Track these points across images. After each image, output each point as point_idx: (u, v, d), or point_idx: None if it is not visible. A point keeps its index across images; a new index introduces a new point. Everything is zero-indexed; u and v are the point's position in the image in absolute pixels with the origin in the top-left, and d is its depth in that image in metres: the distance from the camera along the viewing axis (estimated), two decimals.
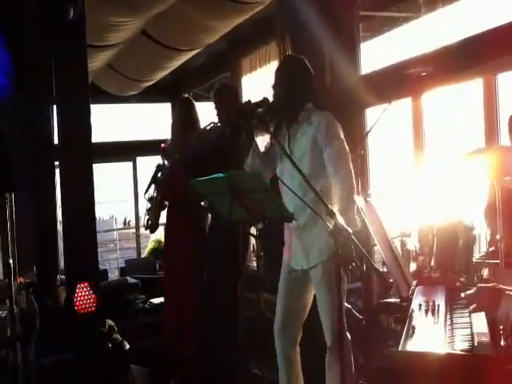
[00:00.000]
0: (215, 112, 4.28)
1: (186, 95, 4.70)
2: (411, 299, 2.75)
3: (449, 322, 2.33)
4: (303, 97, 3.15)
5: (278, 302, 3.26)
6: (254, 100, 3.13)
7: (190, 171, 3.97)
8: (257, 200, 2.60)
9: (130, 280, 6.00)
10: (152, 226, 4.51)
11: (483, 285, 2.32)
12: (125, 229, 15.38)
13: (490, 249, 3.24)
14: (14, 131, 4.46)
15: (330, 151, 3.00)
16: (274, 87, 3.19)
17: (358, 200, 3.05)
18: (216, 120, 4.29)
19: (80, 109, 4.32)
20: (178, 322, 4.37)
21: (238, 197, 2.64)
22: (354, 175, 3.00)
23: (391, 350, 2.88)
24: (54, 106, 4.49)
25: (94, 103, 4.50)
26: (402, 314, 3.10)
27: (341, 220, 2.40)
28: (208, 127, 4.21)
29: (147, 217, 4.50)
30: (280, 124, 3.17)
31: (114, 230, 16.25)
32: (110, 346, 4.16)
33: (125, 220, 17.06)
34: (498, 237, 3.01)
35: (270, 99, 3.16)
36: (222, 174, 2.63)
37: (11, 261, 4.24)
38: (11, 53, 4.03)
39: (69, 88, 4.32)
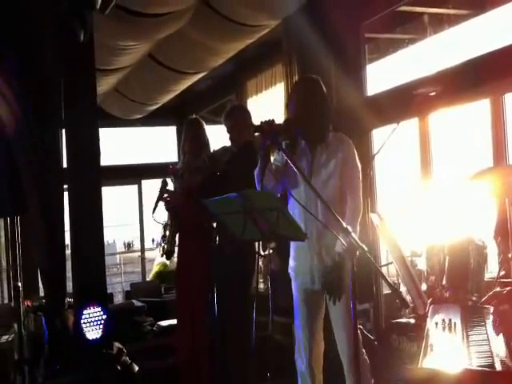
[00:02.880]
0: (227, 133, 4.29)
1: (195, 116, 4.71)
2: (427, 317, 2.75)
3: (466, 339, 2.34)
4: (328, 118, 3.18)
5: (298, 322, 3.27)
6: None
7: (200, 193, 3.98)
8: (270, 219, 2.61)
9: (136, 303, 6.01)
10: (168, 252, 4.49)
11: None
12: (129, 252, 15.38)
13: (502, 268, 3.23)
14: (23, 155, 4.49)
15: (351, 176, 3.10)
16: (296, 108, 3.18)
17: (374, 217, 3.06)
18: (226, 143, 4.31)
19: (89, 133, 4.36)
20: (193, 341, 4.35)
21: (251, 216, 2.65)
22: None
23: (409, 368, 2.86)
24: (63, 130, 4.52)
25: (99, 127, 4.53)
26: (415, 333, 3.10)
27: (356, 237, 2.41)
28: (219, 150, 4.23)
29: (163, 244, 4.48)
30: (296, 145, 3.17)
31: (117, 253, 16.26)
32: (119, 368, 4.15)
33: (128, 243, 17.06)
34: (510, 255, 3.01)
35: (278, 121, 3.18)
36: (234, 194, 2.64)
37: (20, 283, 4.25)
38: (21, 77, 4.08)
39: (78, 112, 4.36)
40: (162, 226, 4.47)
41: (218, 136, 5.07)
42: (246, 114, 4.33)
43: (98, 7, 4.15)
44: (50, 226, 4.91)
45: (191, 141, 4.44)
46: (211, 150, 4.43)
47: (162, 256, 4.65)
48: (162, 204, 4.45)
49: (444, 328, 2.47)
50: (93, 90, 4.47)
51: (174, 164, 4.71)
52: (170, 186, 4.50)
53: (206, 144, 4.46)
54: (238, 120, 4.20)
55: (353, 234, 2.39)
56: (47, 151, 4.95)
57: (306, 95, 3.18)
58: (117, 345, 4.32)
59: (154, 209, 4.45)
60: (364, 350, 3.10)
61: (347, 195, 3.07)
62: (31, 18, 4.30)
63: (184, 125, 4.63)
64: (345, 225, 2.44)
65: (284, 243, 3.00)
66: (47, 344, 4.24)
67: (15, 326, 4.44)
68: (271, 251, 3.75)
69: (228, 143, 4.35)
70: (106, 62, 5.64)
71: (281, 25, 5.36)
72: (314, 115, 3.12)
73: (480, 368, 2.02)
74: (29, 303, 5.15)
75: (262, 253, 3.81)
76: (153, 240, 14.22)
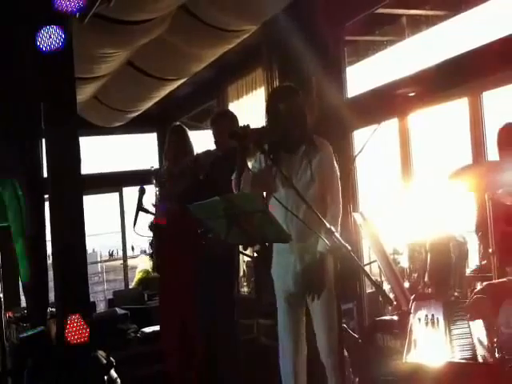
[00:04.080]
0: (212, 139, 4.29)
1: (178, 123, 4.72)
2: (410, 313, 2.78)
3: (448, 333, 2.37)
4: (305, 124, 3.19)
5: (282, 325, 3.28)
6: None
7: (184, 199, 3.96)
8: (255, 222, 2.61)
9: (120, 311, 5.96)
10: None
11: (481, 296, 2.34)
12: (111, 260, 15.28)
13: (483, 262, 3.27)
14: (3, 165, 4.46)
15: (330, 181, 3.14)
16: (273, 116, 3.20)
17: (357, 217, 3.09)
18: (211, 147, 4.32)
19: (69, 142, 4.32)
20: (181, 350, 4.34)
21: (235, 219, 2.65)
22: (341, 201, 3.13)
23: (394, 363, 2.89)
24: (43, 140, 4.49)
25: (79, 135, 4.50)
26: (399, 330, 3.12)
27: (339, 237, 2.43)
28: (202, 153, 4.22)
29: (152, 260, 4.46)
30: (278, 150, 3.18)
31: (98, 262, 16.14)
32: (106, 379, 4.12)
33: (111, 252, 16.96)
34: (490, 250, 3.04)
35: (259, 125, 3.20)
36: (218, 198, 2.64)
37: (1, 295, 4.21)
38: None
39: (57, 121, 4.33)
40: (148, 243, 4.46)
41: (200, 142, 5.07)
42: (232, 119, 4.32)
43: (77, 16, 4.14)
44: (31, 238, 4.88)
45: (175, 148, 4.44)
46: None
47: (153, 272, 4.62)
48: (142, 214, 4.44)
49: (427, 323, 2.50)
50: (73, 99, 4.44)
51: (156, 169, 4.70)
52: (148, 194, 4.49)
53: (190, 151, 4.46)
54: (223, 125, 4.20)
55: (336, 234, 2.41)
56: (27, 162, 4.93)
57: (279, 107, 3.16)
58: (100, 353, 4.28)
59: (135, 221, 4.42)
60: (344, 348, 3.11)
61: (327, 197, 3.11)
62: (8, 27, 4.28)
63: (167, 132, 4.62)
64: (328, 225, 2.46)
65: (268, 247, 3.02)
66: (30, 355, 4.20)
67: None
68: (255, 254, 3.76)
69: (212, 148, 4.36)
70: (85, 70, 5.59)
71: (261, 29, 5.38)
72: (290, 126, 3.14)
73: (462, 360, 2.04)
74: (10, 314, 5.10)
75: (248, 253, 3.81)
76: (132, 248, 14.19)
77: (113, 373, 4.17)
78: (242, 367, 3.94)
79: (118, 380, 4.19)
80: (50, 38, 3.97)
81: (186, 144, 4.47)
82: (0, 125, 4.56)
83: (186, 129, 4.58)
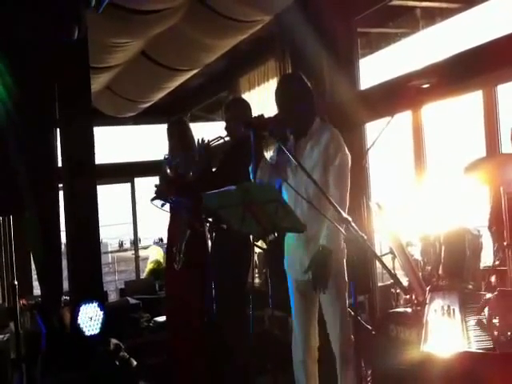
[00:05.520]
0: (224, 126, 4.27)
1: (177, 117, 4.75)
2: (426, 304, 2.80)
3: (465, 324, 2.38)
4: (311, 111, 3.23)
5: (294, 314, 3.32)
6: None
7: (197, 187, 3.96)
8: (270, 211, 2.63)
9: (131, 301, 6.02)
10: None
11: (504, 288, 2.34)
12: (121, 251, 15.39)
13: (497, 256, 3.27)
14: (17, 154, 4.48)
15: (334, 163, 3.11)
16: (278, 104, 3.25)
17: (372, 206, 3.10)
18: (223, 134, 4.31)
19: (84, 132, 4.36)
20: (185, 338, 4.36)
21: (250, 209, 2.66)
22: (348, 190, 3.11)
23: (410, 352, 2.91)
24: (58, 129, 4.52)
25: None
26: (413, 321, 3.14)
27: (356, 227, 2.44)
28: (214, 141, 4.21)
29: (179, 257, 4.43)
30: (286, 138, 3.22)
31: (109, 252, 16.26)
32: (118, 363, 4.17)
33: (121, 242, 17.08)
34: (505, 244, 3.04)
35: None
36: (233, 187, 2.65)
37: (16, 282, 4.25)
38: (14, 75, 4.06)
39: (73, 111, 4.36)
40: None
41: (211, 133, 5.08)
42: (246, 107, 4.30)
43: (93, 5, 4.15)
44: (45, 225, 4.91)
45: (182, 139, 4.45)
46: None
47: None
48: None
49: (443, 314, 2.51)
50: (87, 89, 4.46)
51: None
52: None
53: (187, 144, 4.45)
54: (236, 112, 4.19)
55: (352, 224, 2.42)
56: (42, 150, 4.95)
57: (284, 94, 3.24)
58: (114, 341, 4.32)
59: (159, 193, 4.22)
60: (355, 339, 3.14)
61: (330, 183, 3.08)
62: (23, 17, 4.29)
63: (168, 126, 4.63)
64: (345, 215, 2.48)
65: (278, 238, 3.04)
66: (44, 342, 4.24)
67: (11, 324, 4.44)
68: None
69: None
70: (99, 59, 5.62)
71: (273, 20, 5.37)
72: (294, 111, 3.17)
73: (480, 350, 2.06)
74: (24, 302, 5.15)
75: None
76: (139, 240, 14.26)
77: (124, 354, 4.22)
78: (252, 355, 3.95)
79: (133, 360, 4.24)
80: None
81: (192, 136, 4.48)
82: (15, 114, 4.58)
83: (185, 121, 4.60)
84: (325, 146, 3.12)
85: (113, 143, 10.54)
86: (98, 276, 4.47)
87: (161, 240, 11.05)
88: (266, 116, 3.10)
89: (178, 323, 4.40)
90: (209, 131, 4.69)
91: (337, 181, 3.09)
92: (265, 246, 3.69)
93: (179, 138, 4.47)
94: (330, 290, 3.04)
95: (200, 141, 4.16)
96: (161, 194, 4.17)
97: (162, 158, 4.74)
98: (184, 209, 4.31)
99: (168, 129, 4.60)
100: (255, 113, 3.41)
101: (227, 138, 4.20)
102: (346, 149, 3.17)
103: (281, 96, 3.25)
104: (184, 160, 4.39)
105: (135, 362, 4.26)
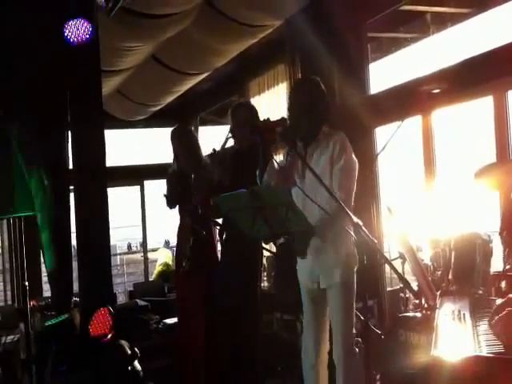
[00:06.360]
0: (230, 129, 4.23)
1: (179, 125, 4.80)
2: (436, 309, 2.80)
3: (475, 328, 2.38)
4: (321, 117, 3.21)
5: (305, 320, 3.33)
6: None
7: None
8: (280, 214, 2.65)
9: (140, 303, 6.04)
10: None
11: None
12: (130, 253, 15.44)
13: (508, 262, 3.26)
14: (29, 156, 4.52)
15: (338, 165, 3.09)
16: (291, 108, 3.23)
17: (384, 210, 3.11)
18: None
19: (95, 134, 4.38)
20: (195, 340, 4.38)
21: (261, 212, 2.68)
22: (353, 194, 3.09)
23: (420, 357, 2.91)
24: (69, 132, 4.55)
25: None
26: (422, 326, 3.14)
27: (366, 231, 2.45)
28: (223, 144, 4.19)
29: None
30: (295, 143, 3.21)
31: (117, 254, 16.31)
32: (130, 369, 4.17)
33: (129, 245, 17.13)
34: None
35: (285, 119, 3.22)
36: (244, 190, 2.67)
37: (27, 283, 4.28)
38: (25, 77, 4.10)
39: (84, 113, 4.38)
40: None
41: (220, 137, 5.09)
42: (251, 111, 4.24)
43: (104, 10, 4.18)
44: (56, 227, 4.94)
45: (194, 148, 4.48)
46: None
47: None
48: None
49: (454, 319, 2.52)
50: (98, 91, 4.49)
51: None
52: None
53: (191, 151, 4.52)
54: (241, 116, 4.13)
55: (363, 228, 2.43)
56: (53, 153, 4.99)
57: (302, 96, 3.21)
58: (122, 342, 4.33)
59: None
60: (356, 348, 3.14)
61: (335, 187, 3.03)
62: (36, 18, 4.33)
63: (171, 134, 4.66)
64: (355, 219, 2.48)
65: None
66: (54, 343, 4.26)
67: (22, 325, 4.46)
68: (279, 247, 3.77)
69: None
70: (110, 63, 5.66)
71: (283, 25, 5.39)
72: (303, 116, 3.15)
73: (490, 355, 2.06)
74: (34, 303, 5.17)
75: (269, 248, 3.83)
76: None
77: (136, 364, 4.22)
78: (262, 358, 3.96)
79: (141, 373, 4.25)
80: (77, 29, 4.03)
81: (187, 144, 4.52)
82: (27, 115, 4.61)
83: (189, 129, 4.62)
84: (331, 150, 3.11)
85: (123, 146, 10.56)
86: (108, 277, 4.49)
87: (167, 243, 11.09)
88: (272, 120, 3.10)
89: (189, 325, 4.42)
90: (218, 135, 4.68)
91: (339, 183, 3.06)
92: (274, 250, 3.71)
93: (192, 147, 4.51)
94: (339, 300, 3.06)
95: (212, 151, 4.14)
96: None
97: (171, 161, 4.78)
98: (187, 214, 4.36)
99: (172, 138, 4.63)
100: (264, 117, 3.41)
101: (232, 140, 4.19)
102: (353, 154, 3.16)
103: (296, 100, 3.22)
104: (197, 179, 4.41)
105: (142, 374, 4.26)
